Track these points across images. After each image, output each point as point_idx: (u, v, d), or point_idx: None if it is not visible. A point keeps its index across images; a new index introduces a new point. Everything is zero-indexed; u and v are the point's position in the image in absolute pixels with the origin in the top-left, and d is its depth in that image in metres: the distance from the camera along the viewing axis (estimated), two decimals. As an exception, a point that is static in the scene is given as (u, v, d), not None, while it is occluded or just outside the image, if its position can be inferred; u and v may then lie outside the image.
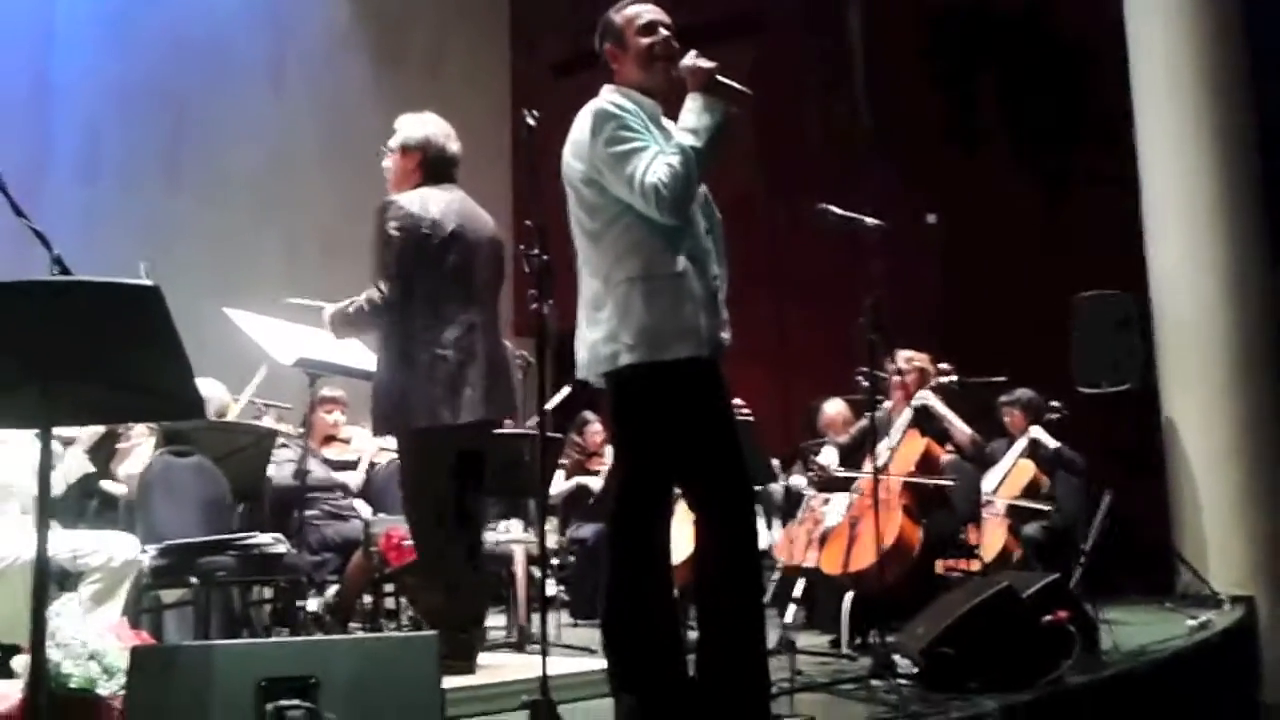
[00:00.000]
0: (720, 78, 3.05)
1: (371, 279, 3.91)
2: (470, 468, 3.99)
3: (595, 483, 6.91)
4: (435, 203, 3.95)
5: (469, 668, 3.73)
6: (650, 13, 3.15)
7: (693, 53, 3.08)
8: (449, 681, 2.80)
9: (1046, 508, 6.29)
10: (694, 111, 3.02)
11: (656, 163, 2.94)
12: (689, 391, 2.99)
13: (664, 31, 3.13)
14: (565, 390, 5.46)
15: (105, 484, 5.06)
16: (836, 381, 6.59)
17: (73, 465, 4.36)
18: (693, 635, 3.17)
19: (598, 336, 3.01)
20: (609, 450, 6.94)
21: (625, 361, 2.97)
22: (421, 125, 4.08)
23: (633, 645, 3.00)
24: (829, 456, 5.71)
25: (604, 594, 3.06)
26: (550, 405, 4.55)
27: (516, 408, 4.23)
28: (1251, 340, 7.07)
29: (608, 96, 3.09)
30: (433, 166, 4.04)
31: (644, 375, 2.97)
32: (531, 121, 3.26)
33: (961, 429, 5.69)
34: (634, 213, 2.99)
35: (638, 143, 2.97)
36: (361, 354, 4.56)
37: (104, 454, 4.84)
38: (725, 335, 3.11)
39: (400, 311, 3.86)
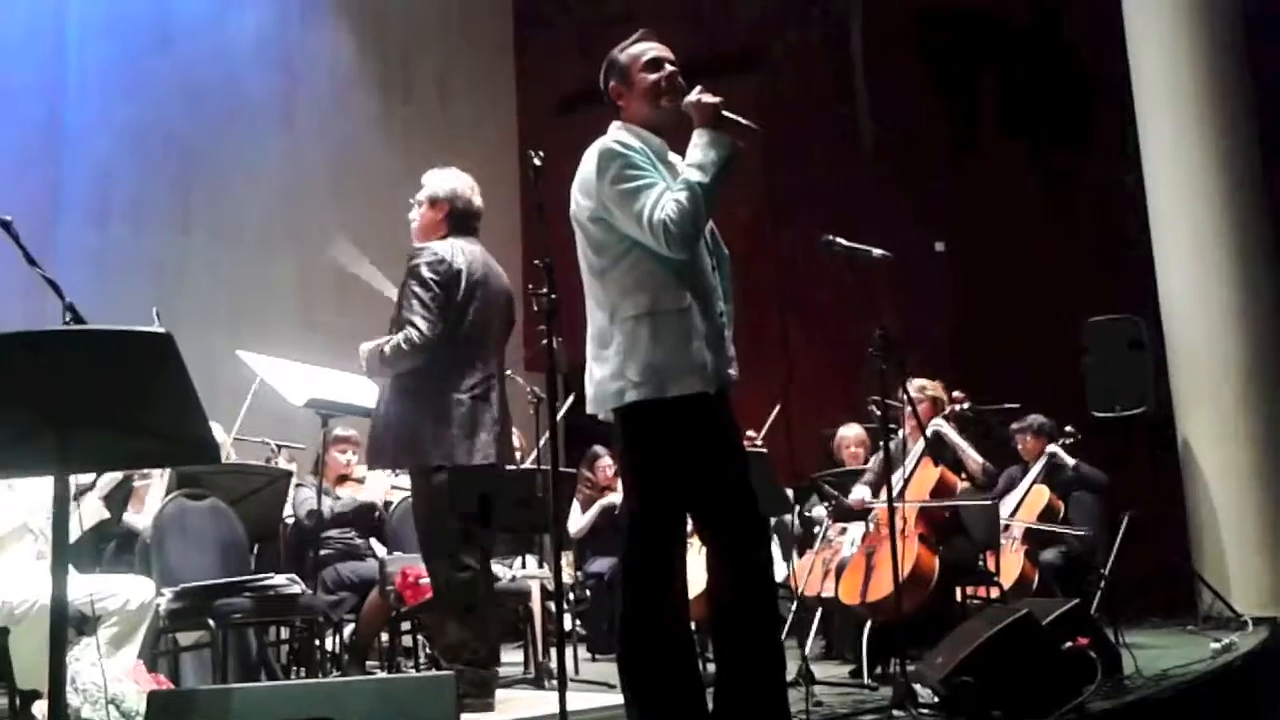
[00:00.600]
0: (727, 113, 3.07)
1: (400, 320, 3.99)
2: (482, 509, 4.07)
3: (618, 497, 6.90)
4: (463, 253, 4.09)
5: (488, 705, 3.73)
6: (654, 50, 3.18)
7: (698, 89, 3.10)
8: (468, 718, 2.79)
9: (1071, 531, 6.24)
10: (700, 147, 3.04)
11: (664, 199, 2.95)
12: (694, 428, 3.00)
13: (669, 68, 3.16)
14: (569, 400, 5.53)
15: (128, 517, 5.06)
16: (846, 412, 6.59)
17: (88, 511, 4.37)
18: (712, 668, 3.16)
19: (604, 373, 3.03)
20: (620, 484, 6.94)
21: (631, 399, 2.99)
22: (447, 180, 4.22)
23: (649, 680, 2.99)
24: (860, 494, 5.63)
25: (619, 629, 3.05)
26: (560, 413, 4.65)
27: (553, 441, 4.30)
28: (1263, 357, 7.06)
29: (614, 135, 3.12)
30: (459, 219, 4.18)
31: (650, 412, 2.98)
32: (538, 161, 3.29)
33: (974, 458, 5.67)
34: (640, 249, 3.00)
35: (645, 179, 3.00)
36: (373, 393, 4.57)
37: (120, 499, 4.85)
38: (732, 371, 3.13)
39: (422, 356, 3.94)
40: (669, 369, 2.97)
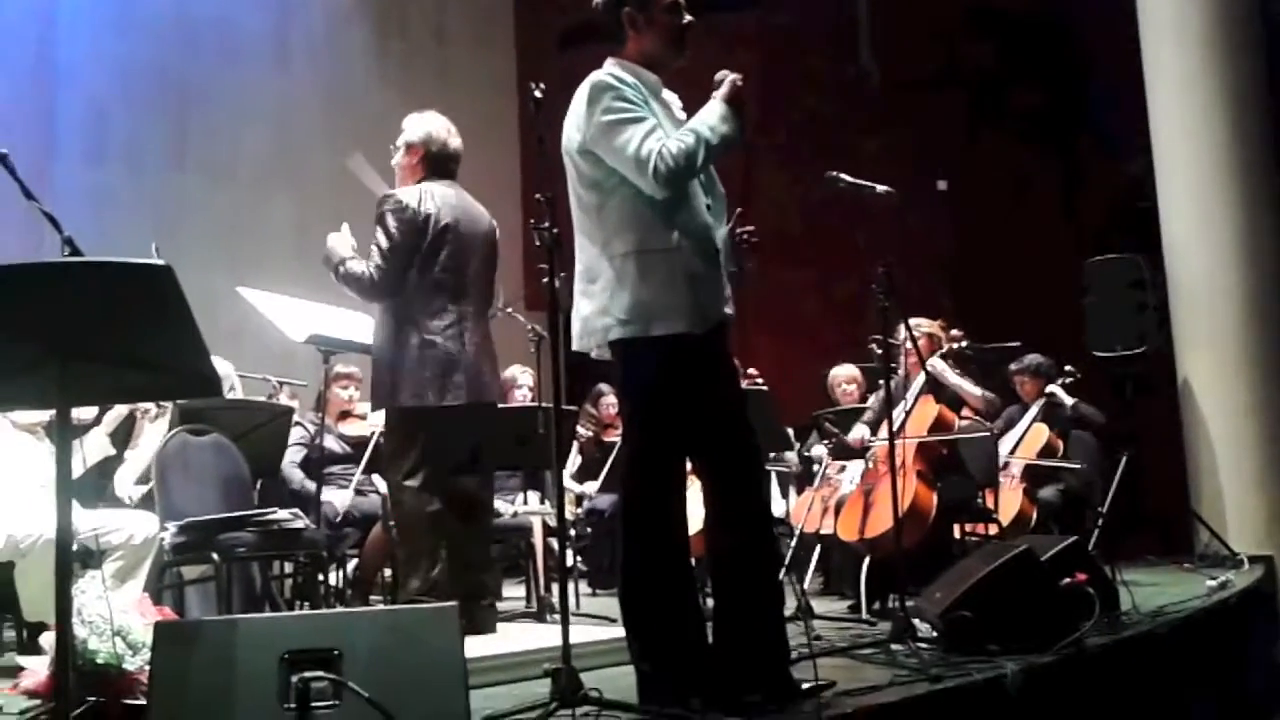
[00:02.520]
0: (746, 109, 3.07)
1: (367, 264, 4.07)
2: (465, 452, 4.12)
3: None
4: (433, 197, 4.10)
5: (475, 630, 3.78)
6: None
7: (739, 77, 3.07)
8: (471, 650, 2.81)
9: (1069, 465, 6.27)
10: (717, 115, 3.01)
11: (658, 135, 2.93)
12: (682, 367, 2.98)
13: (687, 16, 3.13)
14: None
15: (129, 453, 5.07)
16: (847, 350, 6.59)
17: (93, 447, 4.39)
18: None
19: (590, 310, 3.03)
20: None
21: (615, 336, 2.99)
22: (423, 123, 4.24)
23: (650, 616, 3.01)
24: (859, 433, 5.65)
25: (620, 564, 3.07)
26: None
27: (498, 389, 4.45)
28: (1264, 299, 7.05)
29: (609, 69, 3.09)
30: (433, 162, 4.20)
31: (639, 349, 2.98)
32: (538, 94, 3.24)
33: (972, 391, 5.67)
34: (628, 186, 2.98)
35: (635, 113, 2.97)
36: (373, 330, 4.57)
37: (123, 436, 4.86)
38: (728, 310, 3.10)
39: (397, 296, 4.03)
40: (654, 307, 2.96)
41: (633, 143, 2.92)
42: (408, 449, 4.06)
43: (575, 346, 3.13)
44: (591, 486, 6.82)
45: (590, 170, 3.02)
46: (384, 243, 4.03)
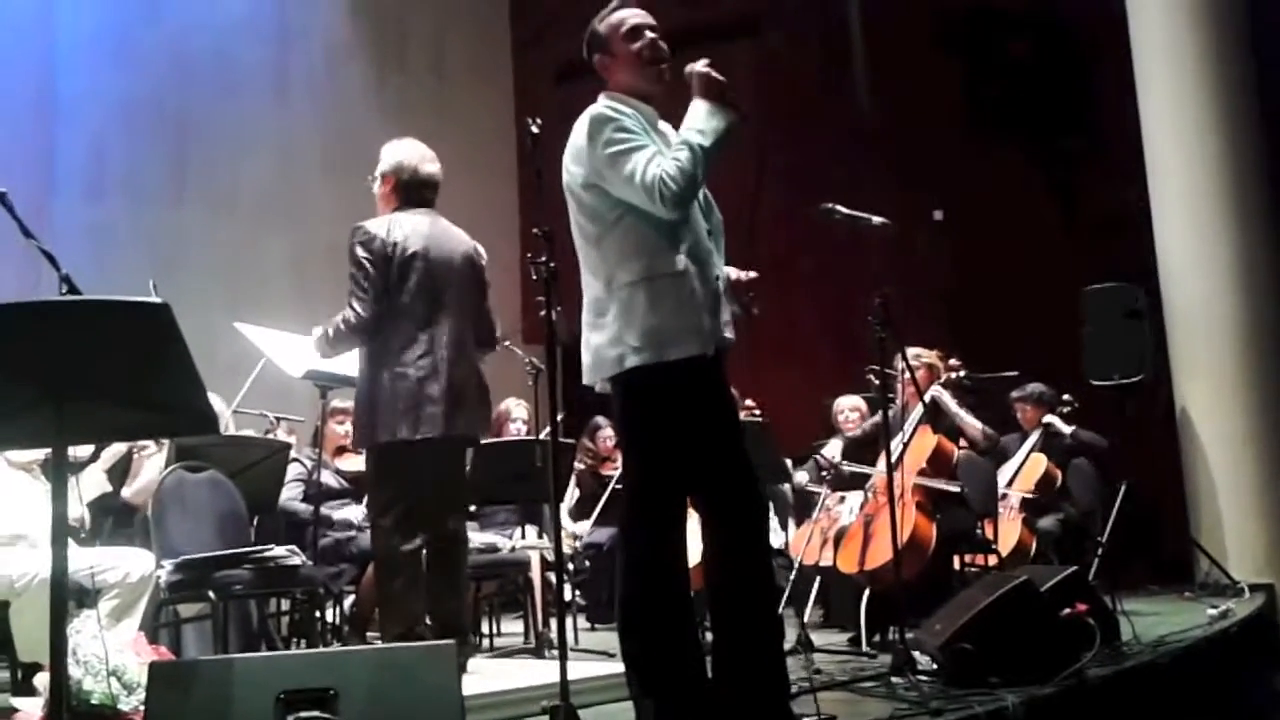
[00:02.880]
0: (730, 95, 3.05)
1: (347, 300, 4.01)
2: (443, 485, 4.04)
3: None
4: (401, 225, 4.03)
5: None
6: (635, 17, 3.14)
7: (704, 60, 3.08)
8: (469, 688, 2.79)
9: (1058, 512, 6.28)
10: (702, 114, 3.02)
11: (658, 160, 2.94)
12: (694, 391, 2.99)
13: (650, 34, 3.13)
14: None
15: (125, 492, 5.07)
16: (847, 380, 6.59)
17: (89, 484, 4.37)
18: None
19: (602, 340, 3.01)
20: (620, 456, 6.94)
21: (631, 364, 2.97)
22: (394, 152, 4.19)
23: (649, 649, 2.99)
24: (833, 449, 5.71)
25: (619, 598, 3.05)
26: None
27: (487, 423, 4.26)
28: (1261, 326, 7.06)
29: (604, 102, 3.10)
30: (405, 190, 4.14)
31: (650, 377, 2.96)
32: (535, 129, 3.26)
33: (973, 424, 5.69)
34: (634, 215, 2.99)
35: (635, 142, 2.98)
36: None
37: (119, 472, 4.86)
38: (729, 335, 3.11)
39: (371, 331, 3.96)
40: (668, 332, 2.95)
41: (638, 170, 2.93)
42: (381, 486, 4.01)
43: (586, 380, 3.11)
44: (584, 526, 6.80)
45: (594, 203, 3.03)
46: (358, 274, 3.95)
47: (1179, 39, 7.26)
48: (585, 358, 3.08)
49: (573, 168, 3.05)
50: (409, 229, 4.02)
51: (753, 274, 3.22)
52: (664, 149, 3.01)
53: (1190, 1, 7.25)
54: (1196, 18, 7.22)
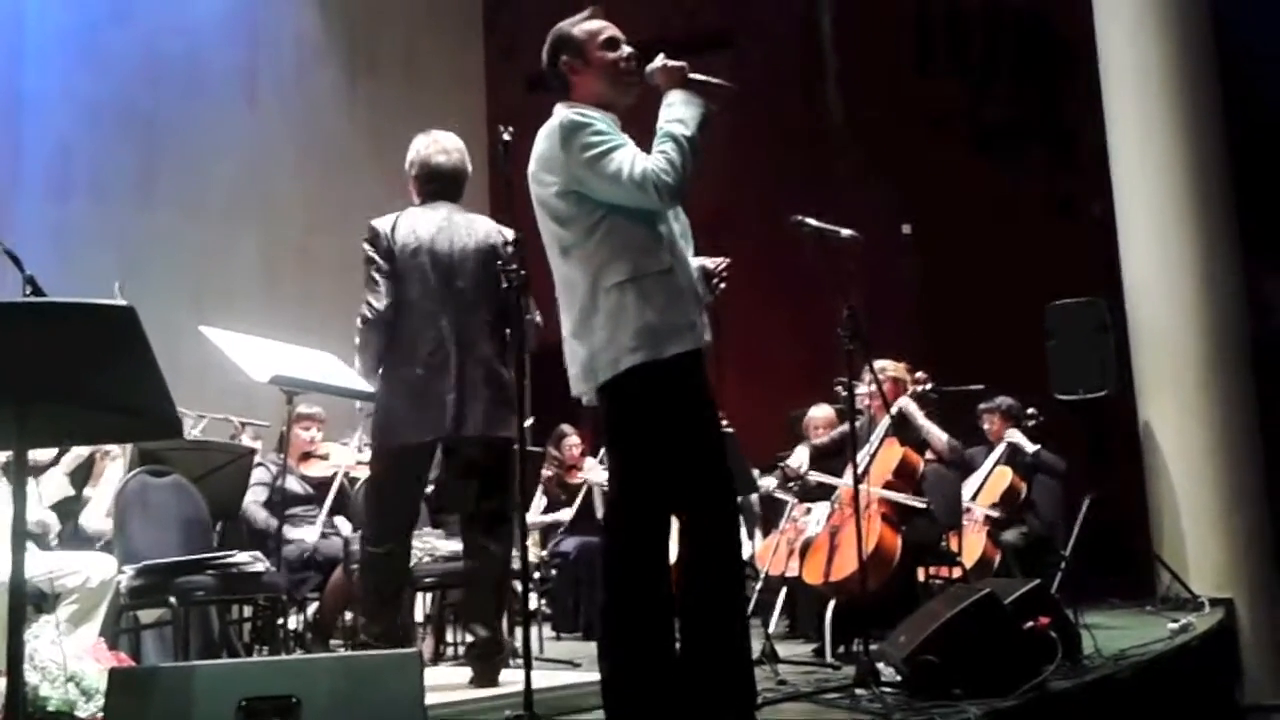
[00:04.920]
0: (694, 75, 3.05)
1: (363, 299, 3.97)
2: (462, 488, 3.99)
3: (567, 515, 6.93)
4: (408, 221, 3.98)
5: None
6: (611, 28, 3.13)
7: (661, 55, 3.07)
8: (432, 698, 2.78)
9: (1022, 525, 6.33)
10: (678, 104, 3.00)
11: (641, 156, 2.93)
12: (691, 388, 2.99)
13: (627, 48, 3.12)
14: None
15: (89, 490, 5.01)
16: (813, 391, 6.62)
17: (50, 488, 4.32)
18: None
19: (595, 347, 2.97)
20: (588, 462, 6.95)
21: (628, 364, 2.92)
22: (413, 147, 4.14)
23: (631, 669, 2.94)
24: (799, 457, 5.73)
25: (602, 609, 3.00)
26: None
27: (507, 423, 3.94)
28: (1224, 341, 7.13)
29: (569, 110, 3.04)
30: (424, 184, 4.09)
31: (647, 375, 2.93)
32: (507, 137, 3.26)
33: (939, 436, 5.73)
34: (613, 218, 2.96)
35: (614, 141, 2.97)
36: (338, 370, 4.54)
37: (81, 476, 4.80)
38: (706, 336, 3.09)
39: (390, 323, 3.90)
40: (662, 329, 2.93)
41: (625, 168, 2.91)
42: (374, 488, 4.01)
43: (575, 391, 3.07)
44: (567, 513, 6.80)
45: (571, 210, 2.99)
46: (369, 269, 3.92)
47: (1145, 54, 7.32)
48: (572, 369, 3.04)
49: (545, 177, 3.01)
50: (415, 224, 3.96)
51: (724, 260, 3.20)
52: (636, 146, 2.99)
53: (1156, 17, 7.32)
54: (1163, 33, 7.30)
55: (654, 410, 2.96)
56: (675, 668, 2.99)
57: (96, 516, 4.68)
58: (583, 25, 3.13)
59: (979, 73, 9.28)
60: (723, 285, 3.20)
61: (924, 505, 5.27)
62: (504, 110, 9.26)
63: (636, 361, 2.92)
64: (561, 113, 3.04)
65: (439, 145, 4.11)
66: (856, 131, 9.19)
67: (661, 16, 8.87)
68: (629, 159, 2.92)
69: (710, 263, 3.20)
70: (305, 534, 5.29)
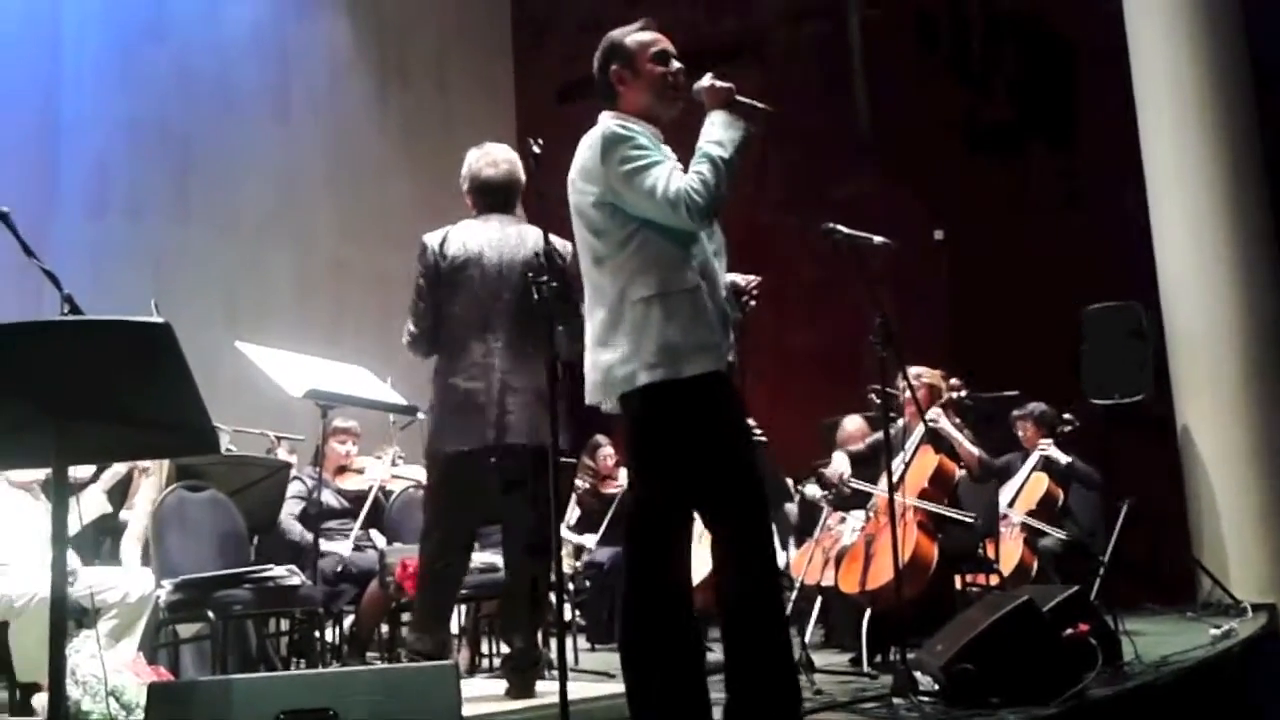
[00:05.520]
0: (740, 97, 3.07)
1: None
2: (490, 502, 3.98)
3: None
4: (461, 235, 4.01)
5: None
6: (663, 42, 3.16)
7: (709, 75, 3.10)
8: (469, 710, 2.78)
9: (1060, 533, 6.26)
10: (719, 125, 3.04)
11: (678, 174, 2.96)
12: (709, 407, 2.98)
13: (677, 64, 3.14)
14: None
15: (124, 513, 5.05)
16: (846, 401, 6.59)
17: (90, 504, 4.37)
18: (713, 656, 3.15)
19: (614, 358, 2.99)
20: (622, 473, 6.95)
21: (644, 381, 2.94)
22: (466, 160, 4.16)
23: (652, 667, 2.97)
24: (840, 464, 5.68)
25: (621, 616, 3.04)
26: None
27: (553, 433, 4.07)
28: (1262, 344, 7.05)
29: (614, 121, 3.09)
30: (477, 197, 4.12)
31: (665, 394, 2.94)
32: (537, 149, 3.27)
33: (969, 450, 5.62)
34: (647, 231, 2.98)
35: (652, 157, 2.99)
36: (372, 384, 4.57)
37: (119, 493, 4.85)
38: (731, 357, 3.10)
39: (427, 345, 3.99)
40: (683, 348, 2.94)
41: (659, 185, 2.93)
42: (429, 500, 4.03)
43: (589, 400, 3.09)
44: (591, 539, 6.79)
45: (605, 221, 3.02)
46: (414, 292, 3.99)
47: (1178, 57, 7.27)
48: (592, 376, 3.06)
49: (584, 186, 3.04)
50: (466, 237, 3.99)
51: (756, 278, 3.22)
52: (677, 163, 3.02)
53: (1189, 18, 7.26)
54: (1195, 35, 7.24)
55: (670, 429, 2.98)
56: (699, 674, 3.00)
57: (131, 550, 4.70)
58: (636, 36, 3.16)
59: (1010, 78, 9.22)
60: (753, 303, 3.20)
61: (970, 519, 5.24)
62: (534, 120, 9.32)
63: (654, 379, 2.94)
64: (605, 123, 3.08)
65: (489, 158, 4.13)
66: (886, 137, 9.14)
67: (690, 27, 8.88)
68: (665, 176, 2.94)
69: (742, 279, 3.21)
70: (340, 547, 5.33)
